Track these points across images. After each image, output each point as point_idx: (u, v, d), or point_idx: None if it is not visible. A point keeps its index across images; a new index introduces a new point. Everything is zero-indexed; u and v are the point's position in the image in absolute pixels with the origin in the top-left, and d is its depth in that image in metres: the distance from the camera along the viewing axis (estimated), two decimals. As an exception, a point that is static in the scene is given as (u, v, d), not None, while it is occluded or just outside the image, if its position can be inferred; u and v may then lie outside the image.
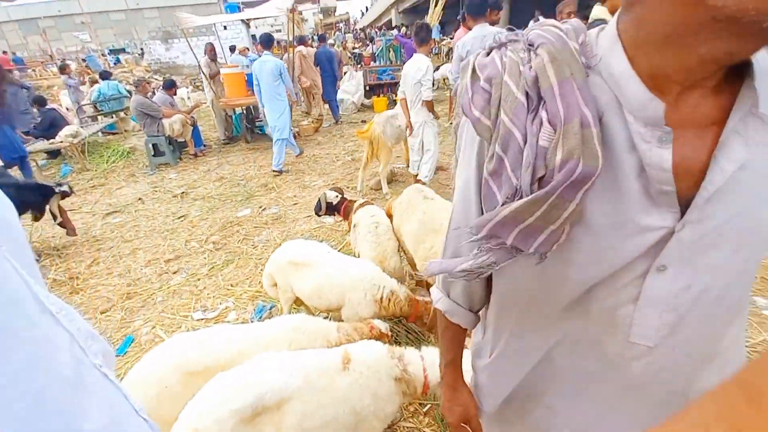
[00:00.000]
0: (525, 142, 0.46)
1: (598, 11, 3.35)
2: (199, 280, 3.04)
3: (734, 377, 0.20)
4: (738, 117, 0.43)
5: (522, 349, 0.66)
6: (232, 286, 2.91)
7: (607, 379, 0.59)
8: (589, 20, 3.33)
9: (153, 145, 5.98)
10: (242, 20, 9.25)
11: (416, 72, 3.47)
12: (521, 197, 0.47)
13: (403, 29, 17.07)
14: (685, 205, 0.46)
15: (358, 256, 2.25)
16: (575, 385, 0.63)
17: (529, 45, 0.50)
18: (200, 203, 4.63)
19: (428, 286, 2.25)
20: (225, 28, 13.35)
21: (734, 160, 0.44)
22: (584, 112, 0.44)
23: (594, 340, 0.57)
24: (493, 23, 3.29)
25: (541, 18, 4.32)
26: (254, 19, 8.74)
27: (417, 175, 4.12)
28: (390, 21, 29.42)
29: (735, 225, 0.46)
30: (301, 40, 7.97)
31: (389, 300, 1.80)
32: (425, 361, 1.39)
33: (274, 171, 5.27)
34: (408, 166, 4.64)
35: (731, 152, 0.44)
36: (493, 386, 0.73)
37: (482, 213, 0.59)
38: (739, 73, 0.44)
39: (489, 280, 0.69)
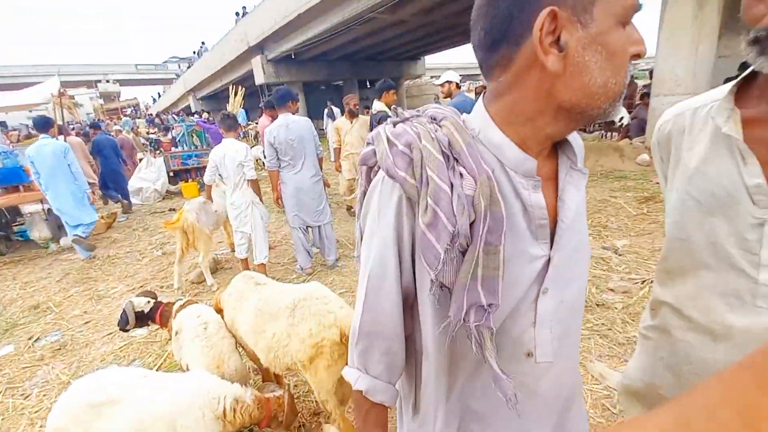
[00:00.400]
0: (452, 192, 0.54)
1: (378, 105, 4.20)
2: None
3: (743, 360, 0.20)
4: (564, 172, 0.62)
5: (457, 400, 0.67)
6: (-15, 469, 1.99)
7: (527, 405, 0.65)
8: (373, 111, 4.09)
9: None
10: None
11: (236, 154, 3.53)
12: (458, 243, 0.54)
13: (205, 114, 16.78)
14: (550, 237, 0.60)
15: (187, 369, 1.91)
16: (503, 423, 0.67)
17: (431, 118, 0.60)
18: None
19: (277, 378, 2.07)
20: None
21: (574, 200, 0.61)
22: (486, 168, 0.55)
23: (511, 371, 0.62)
24: (293, 112, 3.71)
25: (333, 107, 5.14)
26: (8, 109, 7.07)
27: (245, 260, 3.91)
28: (189, 106, 28.45)
29: (577, 246, 0.63)
30: (60, 130, 6.67)
31: (234, 411, 1.57)
32: None
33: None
34: (233, 251, 4.36)
35: (570, 196, 0.61)
36: None
37: (400, 268, 0.61)
38: (555, 145, 0.64)
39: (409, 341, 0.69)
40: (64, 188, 4.88)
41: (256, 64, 15.93)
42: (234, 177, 3.56)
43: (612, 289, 3.00)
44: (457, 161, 0.56)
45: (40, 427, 2.23)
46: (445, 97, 4.03)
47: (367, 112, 5.73)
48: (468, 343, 0.58)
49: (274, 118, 5.65)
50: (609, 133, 9.56)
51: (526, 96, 0.55)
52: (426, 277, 0.59)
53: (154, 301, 2.27)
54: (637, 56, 0.52)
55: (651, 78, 7.71)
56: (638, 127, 8.19)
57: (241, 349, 2.13)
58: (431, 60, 24.35)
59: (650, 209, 4.70)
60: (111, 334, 3.18)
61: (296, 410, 1.82)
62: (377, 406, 0.68)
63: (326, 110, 11.03)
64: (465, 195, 0.54)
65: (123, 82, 40.49)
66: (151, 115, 24.81)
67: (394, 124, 0.63)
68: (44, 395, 2.53)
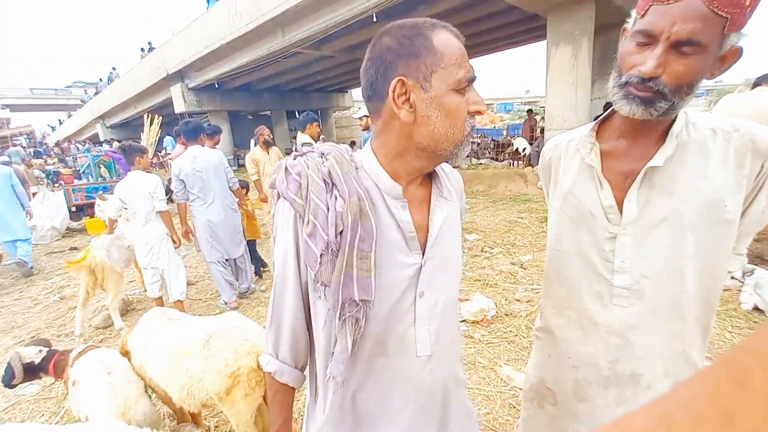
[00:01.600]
0: (328, 210, 0.68)
1: (302, 137, 4.36)
2: None
3: (721, 357, 0.20)
4: (435, 197, 0.79)
5: (342, 398, 0.76)
6: None
7: (411, 398, 0.77)
8: (299, 143, 4.22)
9: None
10: None
11: (144, 186, 3.33)
12: (330, 249, 0.68)
13: (116, 144, 15.46)
14: (422, 249, 0.75)
15: (87, 420, 1.76)
16: (384, 425, 0.78)
17: (321, 153, 0.75)
18: None
19: (194, 417, 1.98)
20: None
21: (439, 219, 0.77)
22: (359, 191, 0.70)
23: (394, 367, 0.76)
24: (212, 146, 3.86)
25: (265, 137, 5.03)
26: None
27: (160, 298, 3.65)
28: (96, 135, 25.97)
29: (447, 257, 0.78)
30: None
31: (144, 457, 1.48)
32: None
33: None
34: (146, 290, 4.05)
35: (437, 216, 0.78)
36: None
37: (299, 268, 0.73)
38: (428, 175, 0.81)
39: (310, 335, 0.79)
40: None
41: (176, 91, 15.25)
42: (144, 210, 3.36)
43: (518, 300, 3.35)
44: (335, 186, 0.71)
45: None
46: (363, 130, 4.30)
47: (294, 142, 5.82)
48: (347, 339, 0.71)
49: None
50: (515, 162, 10.71)
51: (393, 137, 0.73)
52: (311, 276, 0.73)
53: (47, 349, 2.05)
54: (478, 113, 0.70)
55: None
56: (538, 156, 9.29)
57: (151, 392, 2.01)
58: (359, 93, 25.28)
59: (550, 227, 5.34)
60: (-7, 395, 2.75)
61: (215, 448, 1.76)
62: (284, 387, 0.81)
63: (252, 140, 10.84)
64: (336, 212, 0.69)
65: (14, 108, 35.88)
66: (47, 145, 22.18)
67: (294, 157, 0.78)
68: None
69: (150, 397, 1.95)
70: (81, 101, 31.21)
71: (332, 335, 0.73)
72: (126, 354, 1.95)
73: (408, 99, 0.68)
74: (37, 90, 38.88)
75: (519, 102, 46.74)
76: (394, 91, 0.67)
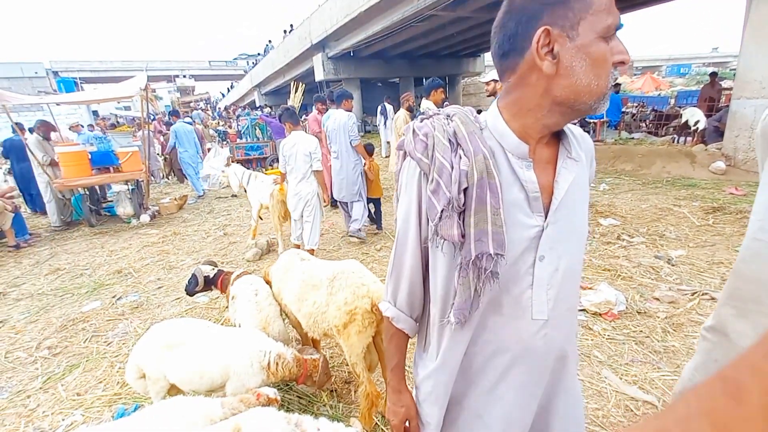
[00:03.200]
0: (452, 169, 0.71)
1: (426, 104, 4.38)
2: (29, 397, 2.43)
3: (717, 373, 0.20)
4: (562, 158, 0.76)
5: (455, 346, 0.80)
6: (78, 395, 2.41)
7: (521, 359, 0.79)
8: (421, 109, 4.26)
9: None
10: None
11: (306, 147, 3.82)
12: (452, 205, 0.71)
13: (267, 109, 17.76)
14: (546, 212, 0.74)
15: (239, 327, 2.19)
16: (489, 382, 0.82)
17: (447, 115, 0.78)
18: (26, 303, 3.78)
19: (315, 343, 2.29)
20: (58, 104, 11.95)
21: (566, 181, 0.75)
22: (484, 150, 0.72)
23: (508, 328, 0.77)
24: (347, 110, 4.47)
25: (386, 104, 5.59)
26: (104, 101, 8.08)
27: (298, 245, 4.21)
28: (254, 101, 30.26)
29: (572, 223, 0.76)
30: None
31: (277, 364, 1.80)
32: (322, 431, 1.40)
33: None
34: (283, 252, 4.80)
35: (564, 178, 0.75)
36: (440, 391, 0.84)
37: (420, 225, 0.78)
38: (555, 136, 0.78)
39: (426, 287, 0.85)
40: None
41: (317, 61, 16.60)
42: (302, 168, 3.85)
43: (657, 298, 2.88)
44: (460, 146, 0.73)
45: (118, 369, 2.64)
46: (489, 95, 4.06)
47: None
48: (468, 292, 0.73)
49: (322, 112, 6.12)
50: (682, 138, 8.80)
51: (527, 93, 0.71)
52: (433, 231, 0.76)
53: (216, 269, 2.59)
54: (622, 63, 0.65)
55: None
56: (716, 132, 7.46)
57: (284, 317, 2.38)
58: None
59: (717, 221, 4.36)
60: (179, 299, 3.63)
61: (330, 373, 2.02)
62: (399, 332, 0.88)
63: (380, 107, 11.27)
64: (460, 170, 0.71)
65: (197, 77, 43.96)
66: (219, 108, 26.77)
67: (421, 120, 0.81)
68: (123, 344, 2.97)
69: (283, 320, 2.32)
70: (244, 71, 36.55)
71: (452, 287, 0.76)
72: (268, 282, 2.34)
73: (551, 50, 0.65)
74: (214, 62, 46.77)
75: (700, 63, 37.22)
76: (538, 42, 0.65)
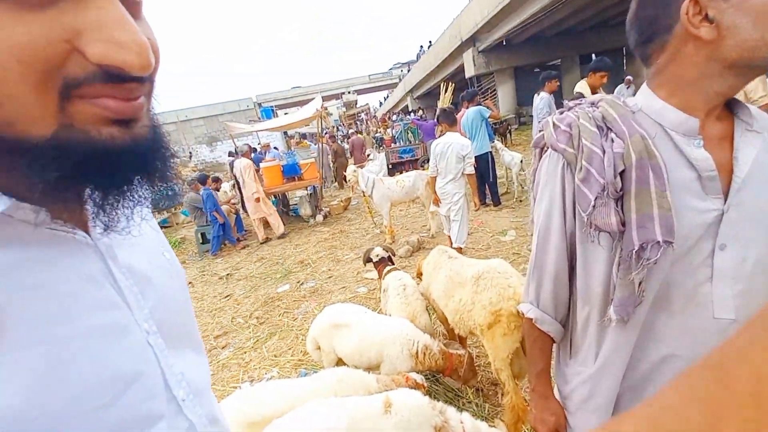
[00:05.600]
0: (604, 153, 0.67)
1: (579, 86, 3.90)
2: (245, 353, 3.22)
3: (703, 359, 0.21)
4: (740, 132, 0.67)
5: (619, 348, 0.72)
6: (275, 356, 3.06)
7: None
8: (575, 91, 3.83)
9: (201, 234, 6.59)
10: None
11: (460, 149, 3.81)
12: (607, 191, 0.65)
13: (420, 112, 18.55)
14: (724, 194, 0.64)
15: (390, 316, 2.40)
16: (668, 379, 0.70)
17: (591, 103, 0.77)
18: (243, 283, 4.97)
19: (461, 340, 2.33)
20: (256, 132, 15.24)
21: (748, 157, 0.65)
22: (639, 130, 0.66)
23: (682, 328, 0.68)
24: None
25: (542, 93, 5.10)
26: (292, 125, 9.94)
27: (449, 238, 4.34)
28: (407, 106, 32.07)
29: (761, 205, 0.64)
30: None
31: (424, 354, 1.92)
32: (465, 425, 1.43)
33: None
34: (431, 236, 5.16)
35: (745, 154, 0.65)
36: (601, 399, 0.75)
37: (564, 219, 0.74)
38: (727, 109, 0.69)
39: (571, 287, 0.79)
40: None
41: (467, 57, 16.45)
42: (453, 170, 3.87)
43: None
44: (610, 130, 0.68)
45: (301, 340, 3.23)
46: None
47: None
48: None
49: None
50: None
51: (686, 66, 0.65)
52: (584, 222, 0.71)
53: (381, 256, 2.90)
54: None
55: None
56: None
57: (431, 312, 2.49)
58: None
59: None
60: (344, 287, 4.19)
61: (475, 370, 2.03)
62: (544, 335, 0.83)
63: (536, 95, 10.42)
64: (614, 153, 0.66)
65: (360, 92, 49.23)
66: (375, 117, 29.39)
67: (561, 112, 0.79)
68: (304, 320, 3.61)
69: (429, 315, 2.44)
70: (399, 78, 39.13)
71: (611, 282, 0.70)
72: (419, 275, 2.49)
73: (705, 17, 0.61)
74: (373, 75, 51.61)
75: None
76: (687, 14, 0.61)
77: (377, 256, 2.83)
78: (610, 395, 0.75)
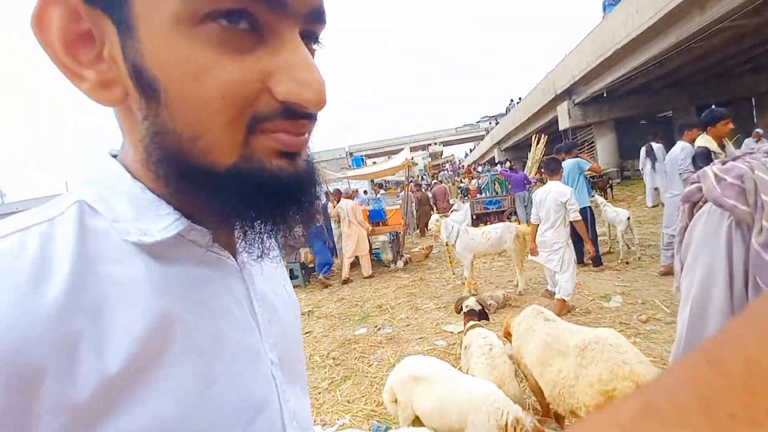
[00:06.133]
0: None
1: (701, 140, 3.48)
2: (319, 393, 3.20)
3: (701, 345, 0.21)
4: None
5: None
6: (349, 402, 2.98)
7: None
8: (696, 145, 3.39)
9: (290, 270, 7.02)
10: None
11: (560, 196, 3.82)
12: None
13: (507, 164, 18.20)
14: None
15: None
16: None
17: (766, 153, 0.67)
18: (323, 321, 5.07)
19: (557, 417, 2.01)
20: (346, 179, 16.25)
21: None
22: None
23: None
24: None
25: (653, 144, 4.84)
26: (380, 173, 10.48)
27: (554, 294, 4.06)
28: (493, 158, 31.74)
29: None
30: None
31: (514, 428, 1.68)
32: None
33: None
34: (519, 293, 4.84)
35: None
36: None
37: (731, 289, 0.61)
38: None
39: None
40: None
41: (562, 109, 15.93)
42: (552, 216, 3.86)
43: None
44: None
45: (375, 388, 3.11)
46: None
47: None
48: None
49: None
50: None
51: None
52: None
53: (470, 308, 2.77)
54: None
55: None
56: None
57: (521, 379, 2.22)
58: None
59: None
60: (422, 338, 4.01)
61: (577, 461, 1.71)
62: None
63: (644, 148, 9.48)
64: None
65: (446, 143, 50.31)
66: (462, 167, 29.48)
67: (723, 163, 0.68)
68: (379, 368, 3.50)
69: (519, 383, 2.17)
70: (486, 131, 39.26)
71: None
72: (508, 335, 2.27)
73: None
74: (460, 128, 52.63)
75: None
76: None
77: (467, 306, 2.68)
78: None
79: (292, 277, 7.03)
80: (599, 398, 1.48)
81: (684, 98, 15.50)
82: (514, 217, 9.85)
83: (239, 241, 0.37)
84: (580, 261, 5.78)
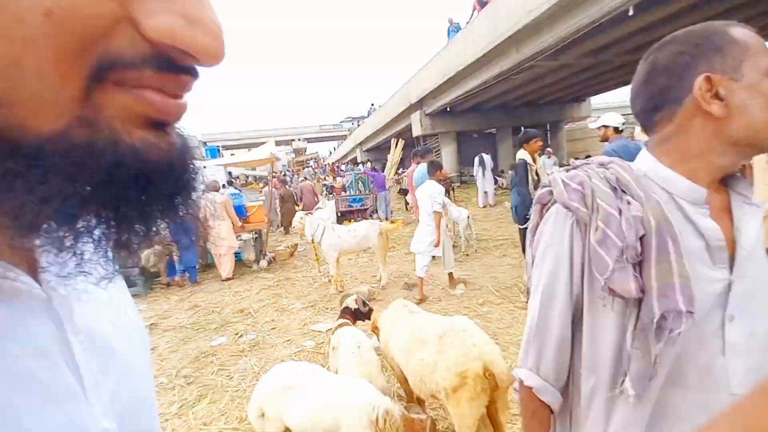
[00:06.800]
0: (620, 215, 0.67)
1: (521, 153, 4.35)
2: (167, 420, 2.77)
3: (758, 387, 0.20)
4: (738, 204, 0.71)
5: (630, 425, 0.68)
6: (204, 425, 2.66)
7: None
8: (518, 158, 4.21)
9: (126, 276, 5.88)
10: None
11: (431, 191, 4.56)
12: (627, 255, 0.65)
13: (369, 164, 19.14)
14: (730, 264, 0.66)
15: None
16: None
17: (600, 164, 0.77)
18: (171, 334, 4.42)
19: (420, 402, 2.20)
20: (204, 167, 14.54)
21: (752, 230, 0.68)
22: (655, 197, 0.68)
23: (697, 404, 0.66)
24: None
25: (483, 155, 6.17)
26: (248, 164, 9.68)
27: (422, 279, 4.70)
28: (355, 158, 32.98)
29: (763, 276, 0.68)
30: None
31: (385, 421, 1.76)
32: None
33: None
34: (382, 287, 5.18)
35: (747, 226, 0.68)
36: None
37: (571, 281, 0.72)
38: (720, 183, 0.72)
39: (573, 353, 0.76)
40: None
41: (415, 118, 17.60)
42: (426, 208, 4.61)
43: None
44: (625, 192, 0.69)
45: (237, 404, 2.87)
46: (602, 141, 3.86)
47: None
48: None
49: (418, 164, 6.57)
50: None
51: (693, 138, 0.69)
52: (597, 286, 0.68)
53: (350, 306, 2.79)
54: None
55: None
56: None
57: (386, 371, 2.36)
58: (599, 100, 22.49)
59: None
60: (289, 341, 3.88)
61: (437, 438, 1.90)
62: (544, 407, 0.77)
63: (477, 158, 11.35)
64: (632, 216, 0.66)
65: (310, 140, 49.86)
66: (327, 164, 29.75)
67: (567, 170, 0.79)
68: (242, 379, 3.24)
69: (385, 373, 2.30)
70: (348, 131, 40.48)
71: (622, 351, 0.67)
72: (375, 330, 2.37)
73: (716, 94, 0.65)
74: (323, 126, 52.90)
75: None
76: (701, 89, 0.65)
77: (345, 306, 2.69)
78: None
79: (130, 284, 5.89)
80: (455, 380, 1.68)
81: (506, 119, 18.98)
82: (375, 215, 10.43)
83: (48, 252, 0.24)
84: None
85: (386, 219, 9.79)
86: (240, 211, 7.28)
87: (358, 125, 31.91)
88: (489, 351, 1.67)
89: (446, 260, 4.86)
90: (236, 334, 4.20)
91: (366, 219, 9.90)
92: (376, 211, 10.61)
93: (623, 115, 3.92)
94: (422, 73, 15.68)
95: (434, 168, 4.88)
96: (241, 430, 2.52)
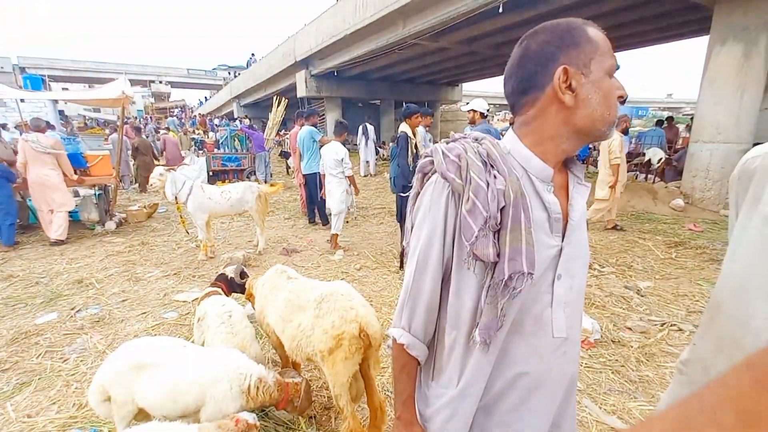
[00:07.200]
0: (488, 188, 0.74)
1: (402, 127, 4.55)
2: (-31, 419, 2.19)
3: (743, 360, 0.20)
4: (573, 183, 0.83)
5: (481, 369, 0.79)
6: (29, 416, 2.19)
7: (542, 380, 0.80)
8: (400, 130, 4.41)
9: None
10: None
11: (335, 154, 4.87)
12: (489, 224, 0.73)
13: (247, 121, 17.57)
14: (562, 233, 0.79)
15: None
16: (508, 410, 0.81)
17: (475, 139, 0.82)
18: (-28, 313, 3.45)
19: (295, 366, 2.21)
20: (23, 100, 11.33)
21: (580, 205, 0.82)
22: (515, 173, 0.76)
23: (530, 348, 0.79)
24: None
25: (368, 125, 6.43)
26: (90, 102, 7.77)
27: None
28: (231, 112, 29.87)
29: (582, 244, 0.82)
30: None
31: (258, 388, 1.71)
32: None
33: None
34: (259, 253, 4.98)
35: (577, 202, 0.82)
36: (460, 422, 0.82)
37: (444, 246, 0.78)
38: (563, 163, 0.84)
39: (441, 311, 0.84)
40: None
41: (300, 78, 16.67)
42: (333, 170, 4.92)
43: (630, 328, 2.99)
44: (493, 167, 0.78)
45: (75, 389, 2.44)
46: (469, 123, 4.40)
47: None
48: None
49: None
50: (644, 176, 9.36)
51: (548, 122, 0.78)
52: (464, 251, 0.76)
53: (225, 274, 2.62)
54: (621, 98, 0.76)
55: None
56: (674, 171, 8.06)
57: (260, 337, 2.29)
58: (469, 87, 24.79)
59: (679, 255, 4.62)
60: (145, 313, 3.42)
61: (312, 398, 1.94)
62: (412, 360, 0.86)
63: (361, 127, 11.46)
64: (497, 189, 0.74)
65: (174, 84, 43.04)
66: (197, 116, 26.27)
67: (447, 142, 0.85)
68: (81, 361, 2.75)
69: (259, 341, 2.23)
70: (224, 81, 36.16)
71: (478, 307, 0.76)
72: (250, 297, 2.25)
73: (569, 85, 0.73)
74: (193, 71, 46.00)
75: (656, 107, 40.58)
76: (559, 79, 0.73)
77: (221, 273, 2.46)
78: (469, 416, 0.82)
79: None
80: (331, 342, 1.72)
81: (390, 92, 19.48)
82: (254, 177, 9.73)
83: None
84: (311, 221, 6.43)
85: (265, 182, 9.24)
86: (77, 160, 5.94)
87: (236, 76, 28.70)
88: (364, 313, 1.75)
89: (338, 222, 5.11)
90: (72, 308, 3.52)
91: (243, 180, 9.20)
92: (254, 173, 9.91)
93: (489, 103, 4.49)
94: (310, 29, 14.78)
95: (341, 129, 5.10)
96: (78, 419, 2.16)
